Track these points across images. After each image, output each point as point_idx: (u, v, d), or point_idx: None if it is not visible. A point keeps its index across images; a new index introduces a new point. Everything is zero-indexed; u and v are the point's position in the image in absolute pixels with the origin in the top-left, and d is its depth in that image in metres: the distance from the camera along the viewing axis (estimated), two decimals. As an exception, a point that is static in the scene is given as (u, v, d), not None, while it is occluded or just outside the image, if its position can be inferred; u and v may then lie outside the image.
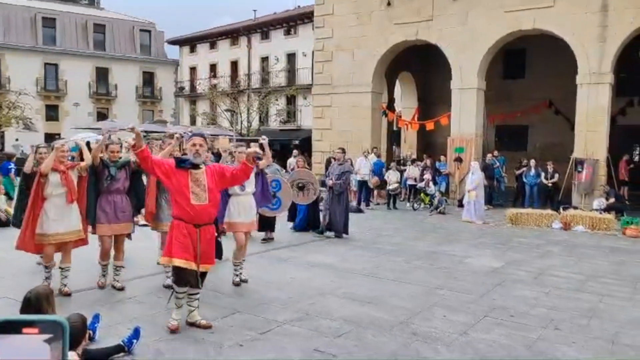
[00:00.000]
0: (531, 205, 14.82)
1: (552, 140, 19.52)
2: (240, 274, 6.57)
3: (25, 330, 0.50)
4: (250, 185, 6.63)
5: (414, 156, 19.46)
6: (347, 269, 7.64)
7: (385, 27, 17.50)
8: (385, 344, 4.72)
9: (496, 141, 21.17)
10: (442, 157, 17.31)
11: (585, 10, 14.37)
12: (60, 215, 5.68)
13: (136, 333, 4.38)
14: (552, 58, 17.96)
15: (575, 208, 13.60)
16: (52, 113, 35.26)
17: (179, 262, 4.64)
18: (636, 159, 20.37)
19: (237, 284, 6.48)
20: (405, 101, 23.12)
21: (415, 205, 15.51)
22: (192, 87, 38.01)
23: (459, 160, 16.10)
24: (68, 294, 5.78)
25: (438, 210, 14.65)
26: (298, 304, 5.77)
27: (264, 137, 6.69)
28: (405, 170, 16.94)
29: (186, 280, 4.75)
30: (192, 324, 4.90)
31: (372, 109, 18.09)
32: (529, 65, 20.78)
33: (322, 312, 5.50)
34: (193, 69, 38.24)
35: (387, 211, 15.18)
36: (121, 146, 6.53)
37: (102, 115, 35.27)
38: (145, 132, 20.29)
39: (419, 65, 21.75)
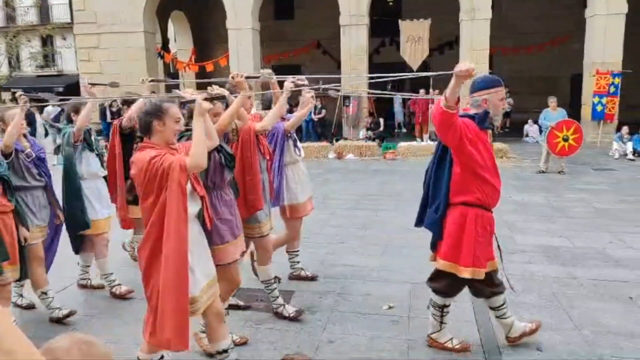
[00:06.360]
0: (309, 140, 16.11)
1: (322, 78, 21.15)
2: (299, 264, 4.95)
3: None
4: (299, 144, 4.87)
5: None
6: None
7: (152, -40, 16.41)
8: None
9: (273, 81, 22.06)
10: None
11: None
12: (202, 257, 2.91)
13: None
14: (317, 0, 19.15)
15: (346, 139, 15.27)
16: None
17: (484, 273, 3.21)
18: (389, 92, 23.45)
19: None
20: (181, 42, 22.34)
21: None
22: None
23: (240, 101, 16.44)
24: None
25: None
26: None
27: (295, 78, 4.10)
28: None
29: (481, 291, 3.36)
30: None
31: (146, 50, 17.12)
32: (297, 7, 21.81)
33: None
34: None
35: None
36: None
37: None
38: None
39: (192, 4, 21.05)
